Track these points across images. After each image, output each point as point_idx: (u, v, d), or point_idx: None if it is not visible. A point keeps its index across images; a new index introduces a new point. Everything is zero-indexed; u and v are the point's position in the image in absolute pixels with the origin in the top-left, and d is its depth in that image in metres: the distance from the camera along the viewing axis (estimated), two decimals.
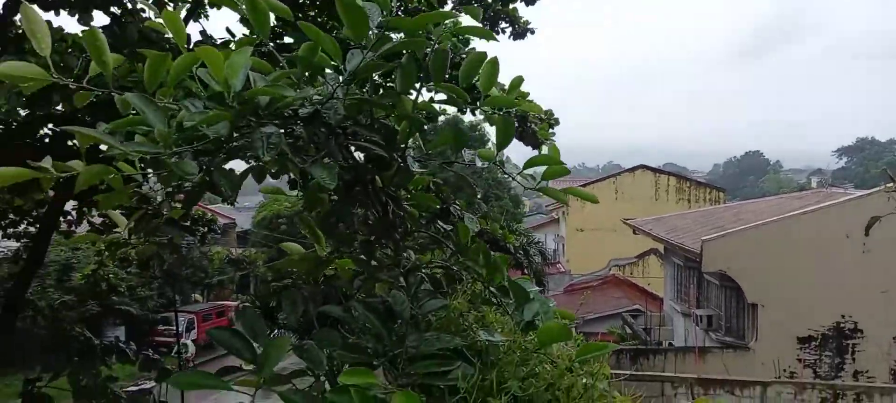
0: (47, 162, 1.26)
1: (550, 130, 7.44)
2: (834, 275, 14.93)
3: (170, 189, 1.58)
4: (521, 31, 8.24)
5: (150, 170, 1.51)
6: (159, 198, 1.73)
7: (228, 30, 6.11)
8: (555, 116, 8.56)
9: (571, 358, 1.44)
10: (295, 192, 2.12)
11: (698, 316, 17.36)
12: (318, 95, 1.39)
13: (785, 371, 15.21)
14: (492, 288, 1.65)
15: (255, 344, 1.41)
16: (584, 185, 38.88)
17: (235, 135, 1.51)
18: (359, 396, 1.17)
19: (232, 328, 1.45)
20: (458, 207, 2.36)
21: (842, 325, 15.29)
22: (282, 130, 1.31)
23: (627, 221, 23.99)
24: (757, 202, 25.00)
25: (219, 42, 5.68)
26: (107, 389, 8.23)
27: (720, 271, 15.66)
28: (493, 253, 1.75)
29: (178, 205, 1.87)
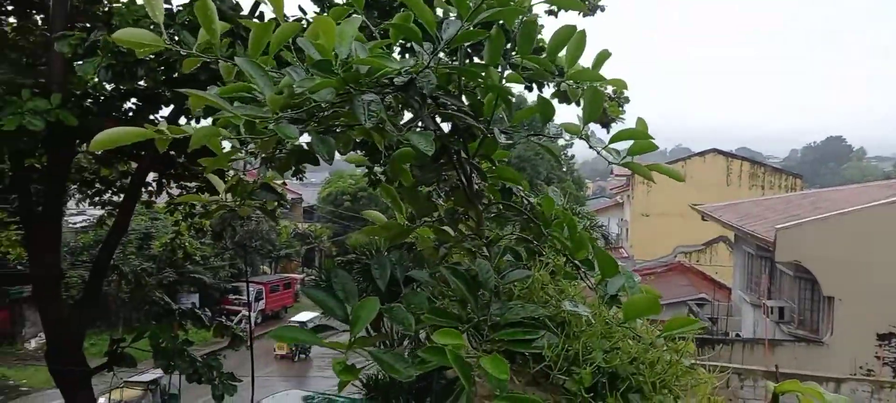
0: (163, 125, 1.36)
1: (620, 108, 7.29)
2: None
3: (267, 154, 1.65)
4: (591, 7, 8.08)
5: (249, 137, 1.59)
6: (253, 163, 1.81)
7: (301, 8, 6.26)
8: (624, 95, 8.38)
9: (657, 333, 1.44)
10: (359, 170, 2.16)
11: (769, 307, 16.72)
12: (413, 65, 1.42)
13: (861, 368, 14.51)
14: (575, 261, 1.66)
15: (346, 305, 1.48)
16: (650, 168, 37.71)
17: (327, 104, 1.57)
18: (453, 355, 1.21)
19: (326, 287, 1.52)
20: (520, 188, 2.36)
21: None
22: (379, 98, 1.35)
23: (696, 207, 23.28)
24: (837, 190, 23.75)
25: (291, 19, 5.82)
26: (184, 352, 8.72)
27: (795, 261, 15.02)
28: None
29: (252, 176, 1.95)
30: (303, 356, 25.28)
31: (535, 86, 7.22)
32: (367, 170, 9.82)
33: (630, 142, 1.78)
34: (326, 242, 36.68)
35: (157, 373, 16.42)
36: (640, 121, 1.81)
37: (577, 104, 8.02)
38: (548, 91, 7.14)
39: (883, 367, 14.61)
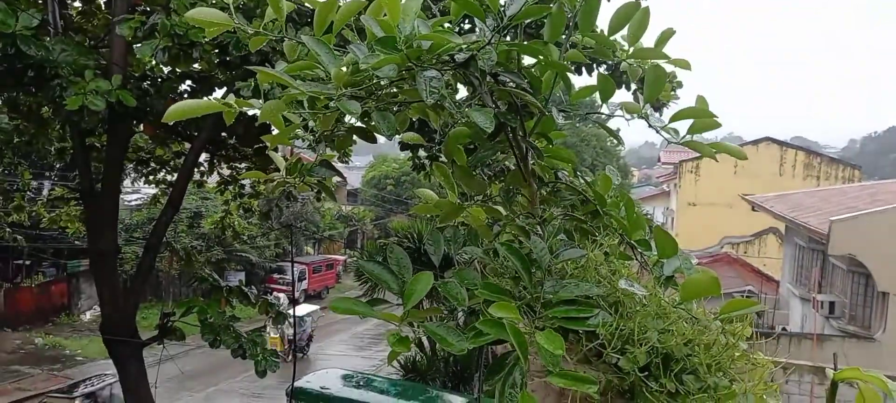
0: (231, 98, 1.40)
1: (673, 92, 7.15)
2: None
3: (326, 132, 1.69)
4: None
5: (310, 114, 1.63)
6: (308, 140, 1.86)
7: None
8: (677, 79, 8.22)
9: (713, 315, 1.43)
10: (404, 154, 2.17)
11: (819, 301, 16.22)
12: (474, 41, 1.43)
13: None
14: (632, 241, 1.65)
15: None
16: (699, 157, 36.96)
17: (386, 81, 1.59)
18: (512, 328, 1.23)
19: (381, 261, 1.55)
20: (565, 173, 2.35)
21: None
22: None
23: (746, 197, 22.66)
24: None
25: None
26: (230, 327, 8.99)
27: (849, 255, 14.51)
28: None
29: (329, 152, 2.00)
30: (301, 355, 24.59)
31: (584, 68, 7.13)
32: (411, 154, 9.89)
33: (689, 123, 1.76)
34: (369, 225, 37.16)
35: (92, 385, 14.80)
36: (701, 99, 1.78)
37: (631, 86, 7.88)
38: (595, 74, 7.04)
39: None
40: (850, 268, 15.39)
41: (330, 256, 34.23)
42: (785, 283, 21.47)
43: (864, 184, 27.39)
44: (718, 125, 1.65)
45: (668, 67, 1.78)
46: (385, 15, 1.39)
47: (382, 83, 1.57)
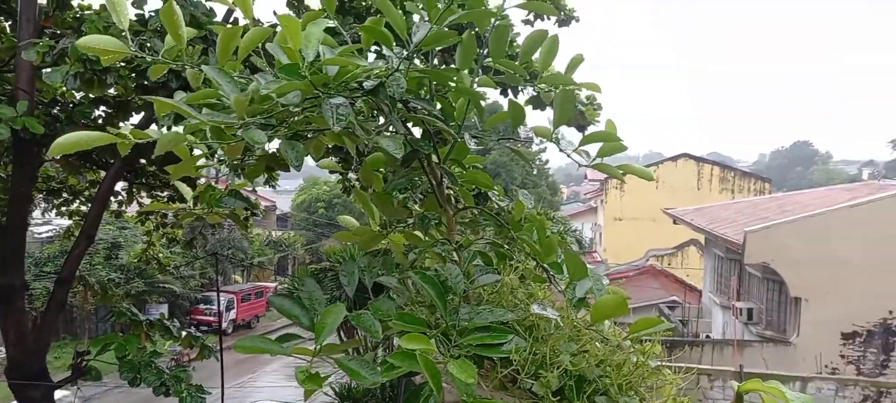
0: (126, 128, 1.33)
1: (596, 112, 7.40)
2: (882, 271, 14.46)
3: (235, 161, 1.64)
4: (566, 18, 8.21)
5: (216, 143, 1.57)
6: (224, 171, 1.79)
7: (276, 13, 6.23)
8: (597, 101, 8.50)
9: (623, 336, 1.46)
10: (334, 176, 2.16)
11: (738, 308, 17.02)
12: (382, 68, 1.42)
13: (827, 366, 14.85)
14: (545, 265, 1.67)
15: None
16: (623, 173, 38.20)
17: (297, 108, 1.56)
18: (423, 360, 1.20)
19: (292, 295, 1.51)
20: (495, 193, 2.38)
21: (889, 322, 14.85)
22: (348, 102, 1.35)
23: (668, 211, 23.62)
24: (804, 193, 24.31)
25: (266, 25, 5.79)
26: (151, 363, 8.54)
27: (763, 263, 15.33)
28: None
29: (240, 180, 1.94)
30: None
31: (510, 91, 7.28)
32: (341, 177, 9.77)
33: (600, 145, 1.81)
34: (300, 250, 36.38)
35: None
36: (610, 123, 1.83)
37: (553, 109, 8.11)
38: (523, 97, 7.21)
39: (847, 365, 14.97)
40: (765, 276, 16.24)
41: (260, 284, 33.23)
42: (706, 292, 22.43)
43: (774, 195, 29.10)
44: (625, 148, 1.70)
45: (602, 87, 1.82)
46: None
47: (293, 110, 1.54)
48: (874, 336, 14.96)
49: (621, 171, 1.77)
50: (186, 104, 1.32)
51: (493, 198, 2.17)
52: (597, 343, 1.49)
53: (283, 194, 42.49)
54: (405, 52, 1.44)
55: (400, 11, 1.43)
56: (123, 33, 1.51)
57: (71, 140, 1.27)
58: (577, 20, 8.55)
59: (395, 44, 1.55)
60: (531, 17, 8.21)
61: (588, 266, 1.58)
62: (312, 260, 33.66)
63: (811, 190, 28.45)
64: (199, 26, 6.02)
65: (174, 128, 1.53)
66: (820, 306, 14.88)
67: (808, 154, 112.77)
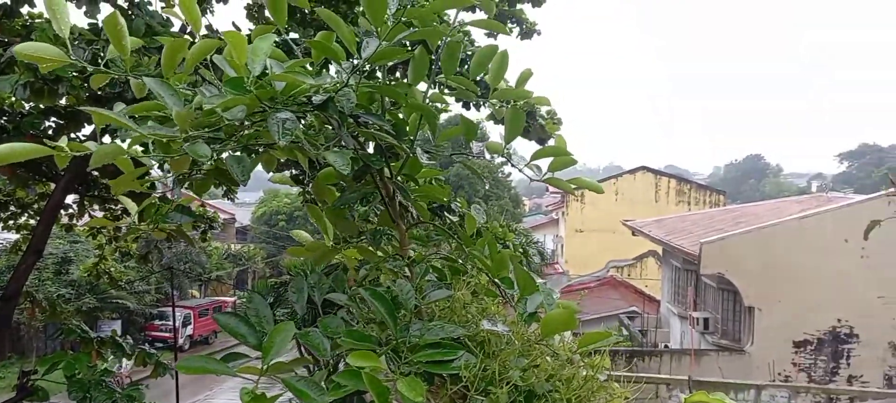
0: (62, 141, 1.29)
1: (556, 126, 7.50)
2: (831, 280, 14.98)
3: (180, 176, 1.60)
4: (527, 31, 8.32)
5: (161, 157, 1.53)
6: (169, 185, 1.75)
7: (235, 24, 6.16)
8: (557, 115, 8.62)
9: (572, 350, 1.47)
10: (295, 189, 2.14)
11: (695, 318, 17.39)
12: (332, 83, 1.41)
13: (780, 374, 15.26)
14: (496, 280, 1.67)
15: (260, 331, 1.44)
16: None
17: (248, 122, 1.54)
18: (369, 378, 1.19)
19: (238, 313, 1.47)
20: (458, 205, 2.38)
21: (838, 330, 15.35)
22: (297, 116, 1.33)
23: (626, 223, 24.03)
24: (756, 205, 25.05)
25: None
26: (102, 382, 8.25)
27: (718, 274, 15.70)
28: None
29: (189, 193, 1.89)
30: None
31: (473, 106, 7.34)
32: (301, 190, 9.66)
33: (550, 159, 1.83)
34: (260, 263, 35.77)
35: None
36: (560, 138, 1.86)
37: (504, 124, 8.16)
38: (485, 111, 7.26)
39: (799, 373, 15.41)
40: (720, 286, 16.65)
41: (218, 298, 32.52)
42: (665, 303, 22.86)
43: (728, 207, 29.92)
44: (574, 162, 1.72)
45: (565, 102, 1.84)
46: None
47: (245, 123, 1.51)
48: (824, 344, 15.45)
49: (573, 186, 1.79)
50: (128, 116, 1.29)
51: (457, 211, 2.17)
52: (547, 358, 1.50)
53: (242, 207, 41.78)
54: (353, 67, 1.43)
55: (350, 27, 1.42)
56: (64, 41, 1.46)
57: (3, 152, 1.22)
58: (539, 34, 8.68)
59: (347, 58, 1.54)
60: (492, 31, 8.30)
61: (538, 280, 1.59)
62: (273, 273, 33.13)
63: (763, 202, 29.35)
64: (156, 36, 5.90)
65: (117, 141, 1.49)
66: (772, 315, 15.32)
67: (761, 167, 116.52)
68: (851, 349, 15.34)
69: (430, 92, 1.78)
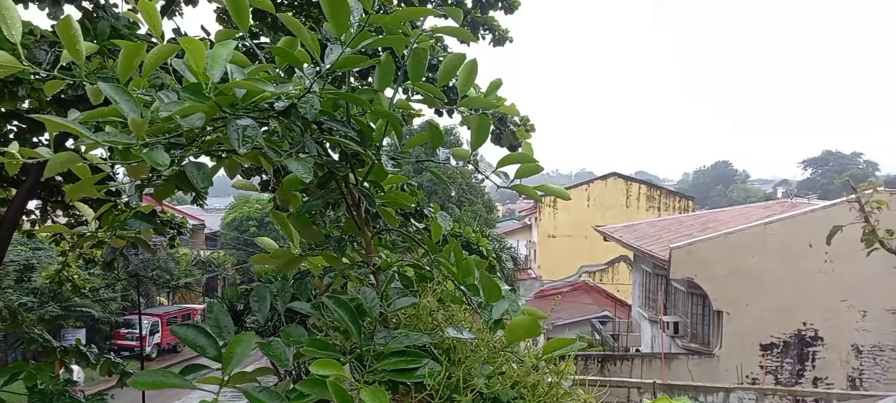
0: (14, 147, 1.25)
1: (528, 133, 7.53)
2: (796, 284, 15.31)
3: (140, 181, 1.56)
4: (499, 38, 8.36)
5: (119, 163, 1.50)
6: (129, 192, 1.71)
7: (203, 27, 6.07)
8: (530, 122, 8.67)
9: (537, 356, 1.47)
10: (266, 194, 2.12)
11: (665, 322, 17.62)
12: (295, 90, 1.39)
13: (748, 377, 15.54)
14: (462, 287, 1.67)
15: (220, 341, 1.41)
16: None
17: (210, 128, 1.51)
18: (333, 387, 1.17)
19: (196, 324, 1.44)
20: (432, 209, 2.37)
21: (803, 333, 15.68)
22: (259, 123, 1.31)
23: (598, 228, 24.27)
24: (724, 211, 25.52)
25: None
26: (65, 393, 8.02)
27: (687, 278, 15.94)
28: (465, 254, 1.77)
29: (149, 202, 1.85)
30: None
31: (445, 112, 7.35)
32: (272, 195, 9.55)
33: (517, 166, 1.83)
34: (230, 270, 35.24)
35: None
36: (527, 146, 1.87)
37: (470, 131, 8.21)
38: (458, 117, 7.26)
39: (766, 375, 15.71)
40: (690, 291, 16.90)
41: (187, 306, 31.92)
42: (636, 307, 23.13)
43: (697, 213, 30.41)
44: (541, 169, 1.73)
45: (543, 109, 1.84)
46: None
47: (207, 129, 1.49)
48: (790, 346, 15.77)
49: (540, 192, 1.80)
50: (81, 122, 1.25)
51: (429, 215, 2.16)
52: (513, 364, 1.50)
53: (212, 212, 41.16)
54: (316, 73, 1.41)
55: (317, 32, 1.40)
56: (15, 46, 1.42)
57: None
58: (511, 41, 8.73)
59: (314, 64, 1.53)
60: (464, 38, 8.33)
61: (504, 287, 1.59)
62: (243, 280, 32.67)
63: (731, 208, 29.91)
64: (122, 39, 5.78)
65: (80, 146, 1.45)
66: (740, 319, 15.60)
67: (728, 173, 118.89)
68: (816, 351, 15.68)
69: (397, 98, 1.77)
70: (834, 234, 7.12)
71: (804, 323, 15.62)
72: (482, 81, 1.98)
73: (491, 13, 8.37)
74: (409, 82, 1.81)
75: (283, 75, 1.65)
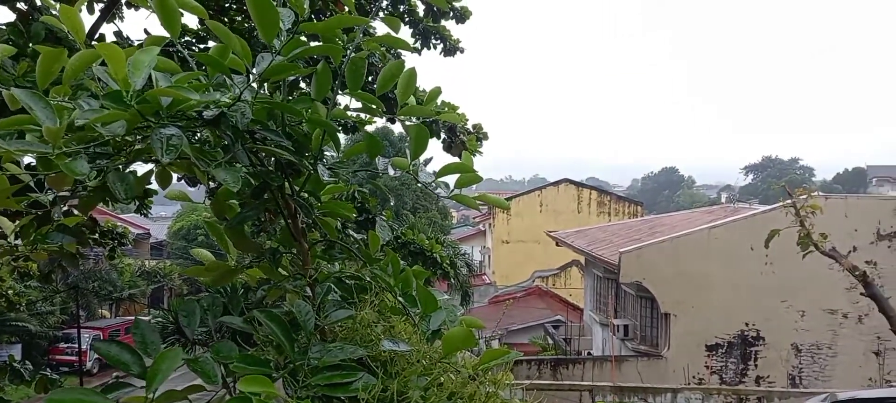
0: None
1: (479, 143, 7.56)
2: (739, 286, 15.83)
3: (63, 192, 1.49)
4: (451, 48, 8.39)
5: (40, 173, 1.43)
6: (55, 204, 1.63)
7: (146, 31, 5.88)
8: (483, 130, 8.73)
9: (474, 367, 1.46)
10: (206, 201, 2.06)
11: (616, 325, 17.97)
12: (227, 98, 1.35)
13: (694, 377, 15.97)
14: (401, 298, 1.65)
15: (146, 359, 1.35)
16: (509, 198, 39.70)
17: (140, 136, 1.46)
18: None
19: (119, 341, 1.38)
20: (383, 217, 2.34)
21: (746, 333, 16.21)
22: (188, 132, 1.27)
23: (550, 233, 24.60)
24: (671, 216, 26.24)
25: (136, 43, 5.45)
26: None
27: (636, 282, 16.29)
28: (405, 264, 1.75)
29: (75, 212, 1.77)
30: None
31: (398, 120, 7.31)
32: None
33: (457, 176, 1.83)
34: (177, 280, 34.21)
35: None
36: (466, 155, 1.87)
37: (440, 136, 8.16)
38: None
39: (711, 375, 16.18)
40: (639, 294, 17.28)
41: (131, 318, 30.82)
42: (587, 311, 23.51)
43: (645, 218, 31.17)
44: (479, 179, 1.74)
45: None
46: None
47: (136, 138, 1.43)
48: (734, 346, 16.28)
49: (477, 202, 1.81)
50: None
51: (381, 222, 2.13)
52: (450, 375, 1.49)
53: (159, 221, 39.94)
54: (246, 82, 1.38)
55: (240, 39, 1.37)
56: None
57: None
58: (462, 51, 8.78)
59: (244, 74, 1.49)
60: (418, 44, 8.34)
61: (442, 297, 1.58)
62: (190, 290, 31.74)
63: (677, 212, 30.78)
64: (65, 45, 5.54)
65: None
66: (687, 321, 16.03)
67: (675, 179, 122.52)
68: (758, 351, 16.23)
69: (335, 108, 1.75)
70: (771, 238, 7.40)
71: (747, 324, 16.15)
72: (448, 89, 1.98)
73: (443, 22, 8.40)
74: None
75: (230, 82, 1.61)
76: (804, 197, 7.61)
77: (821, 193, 12.31)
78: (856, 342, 15.82)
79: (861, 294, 7.28)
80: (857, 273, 6.93)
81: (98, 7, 6.04)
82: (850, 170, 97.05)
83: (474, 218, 54.98)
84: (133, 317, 30.72)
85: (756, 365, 16.24)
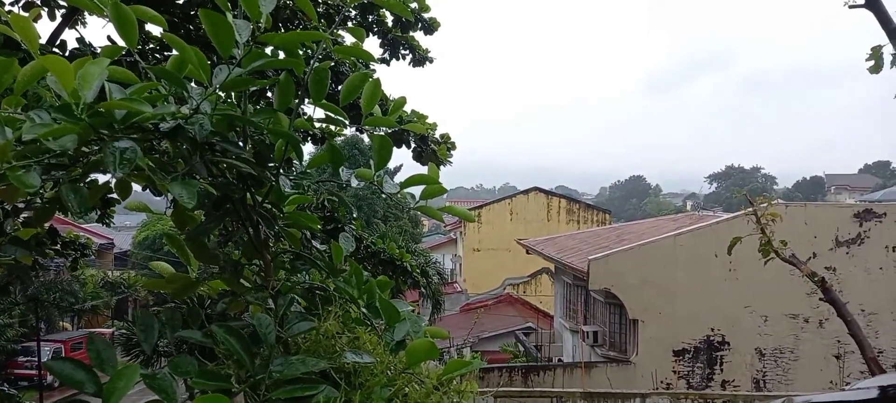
0: None
1: (448, 152, 7.57)
2: (704, 292, 16.13)
3: (17, 204, 1.45)
4: (420, 58, 8.40)
5: None
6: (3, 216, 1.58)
7: (110, 38, 5.77)
8: (451, 140, 8.75)
9: (438, 377, 1.47)
10: (167, 212, 2.02)
11: (585, 332, 18.13)
12: (186, 110, 1.34)
13: (662, 382, 16.19)
14: (364, 310, 1.65)
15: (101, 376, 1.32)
16: (480, 206, 39.84)
17: (94, 149, 1.43)
18: None
19: (72, 357, 1.35)
20: (351, 227, 2.33)
21: (711, 338, 16.51)
22: (144, 144, 1.25)
23: (520, 241, 24.73)
24: (638, 223, 26.62)
25: (98, 50, 5.34)
26: None
27: (605, 289, 16.48)
28: (369, 275, 1.75)
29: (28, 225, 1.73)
30: None
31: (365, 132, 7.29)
32: None
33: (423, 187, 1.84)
34: (142, 292, 33.45)
35: None
36: (432, 167, 1.87)
37: (410, 144, 8.13)
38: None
39: (679, 380, 16.43)
40: (607, 301, 17.47)
41: (94, 330, 30.00)
42: (558, 318, 23.68)
43: (613, 225, 31.59)
44: (444, 191, 1.74)
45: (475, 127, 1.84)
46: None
47: (93, 150, 1.40)
48: (700, 352, 16.56)
49: (442, 213, 1.81)
50: None
51: (349, 232, 2.11)
52: (414, 386, 1.49)
53: (123, 231, 39.04)
54: (204, 93, 1.36)
55: (196, 50, 1.35)
56: None
57: None
58: (431, 61, 8.80)
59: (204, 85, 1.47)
60: (386, 55, 8.33)
61: (405, 308, 1.58)
62: (155, 301, 31.04)
63: (644, 220, 31.24)
64: (17, 48, 5.39)
65: None
66: (654, 326, 16.27)
67: (642, 187, 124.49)
68: (724, 355, 16.54)
69: (303, 118, 1.74)
70: (733, 245, 7.56)
71: (712, 329, 16.45)
72: (419, 99, 1.98)
73: (411, 33, 8.41)
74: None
75: (187, 94, 1.59)
76: (764, 205, 7.80)
77: (782, 201, 12.64)
78: (817, 346, 16.23)
79: (820, 299, 7.47)
80: (816, 279, 7.12)
81: (60, 13, 5.90)
82: (809, 179, 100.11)
83: (445, 227, 55.02)
84: (95, 330, 29.96)
85: (722, 370, 16.53)
